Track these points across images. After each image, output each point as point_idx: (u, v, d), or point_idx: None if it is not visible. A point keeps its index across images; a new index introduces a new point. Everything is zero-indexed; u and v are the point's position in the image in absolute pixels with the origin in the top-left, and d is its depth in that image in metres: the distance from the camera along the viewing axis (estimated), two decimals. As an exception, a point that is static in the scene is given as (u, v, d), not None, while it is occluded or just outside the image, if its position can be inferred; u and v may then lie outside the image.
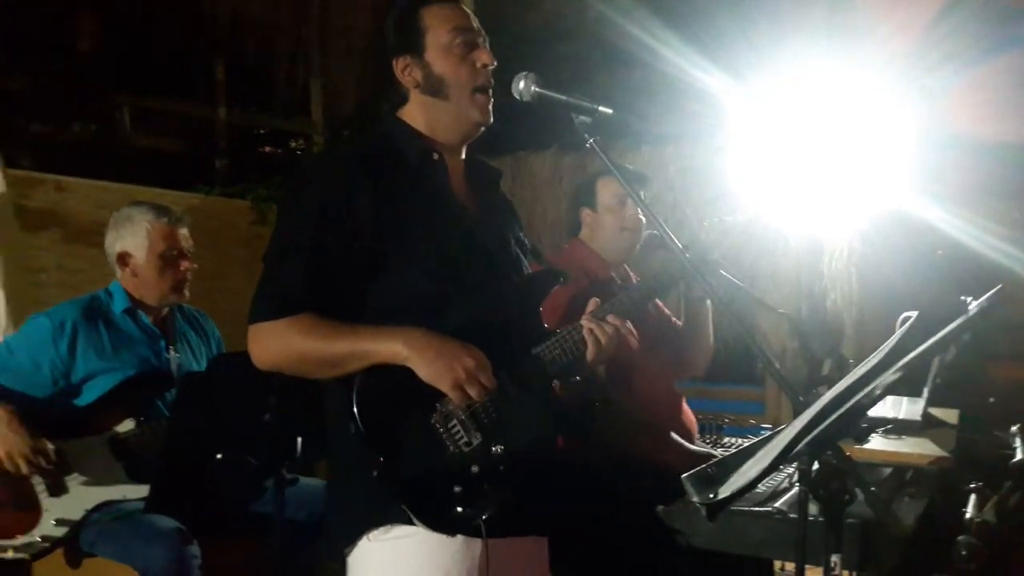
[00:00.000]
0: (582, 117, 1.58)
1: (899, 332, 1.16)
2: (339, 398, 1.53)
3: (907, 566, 1.56)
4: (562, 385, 1.75)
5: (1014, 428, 2.12)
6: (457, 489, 1.50)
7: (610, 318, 1.68)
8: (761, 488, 1.75)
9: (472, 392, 1.50)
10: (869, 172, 3.62)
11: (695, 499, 1.10)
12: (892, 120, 3.81)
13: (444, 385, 1.50)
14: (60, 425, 2.28)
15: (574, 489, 1.77)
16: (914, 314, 1.19)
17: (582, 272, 2.50)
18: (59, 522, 2.21)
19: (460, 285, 1.60)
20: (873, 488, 1.32)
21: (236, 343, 1.79)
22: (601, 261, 2.56)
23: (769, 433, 1.52)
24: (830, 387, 1.23)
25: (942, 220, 4.05)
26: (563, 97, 1.60)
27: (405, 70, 1.67)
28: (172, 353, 2.48)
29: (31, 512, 2.22)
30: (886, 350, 1.18)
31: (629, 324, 1.72)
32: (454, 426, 1.53)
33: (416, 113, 1.69)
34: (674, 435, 2.32)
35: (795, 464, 1.58)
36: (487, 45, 1.69)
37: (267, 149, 8.14)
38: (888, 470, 1.91)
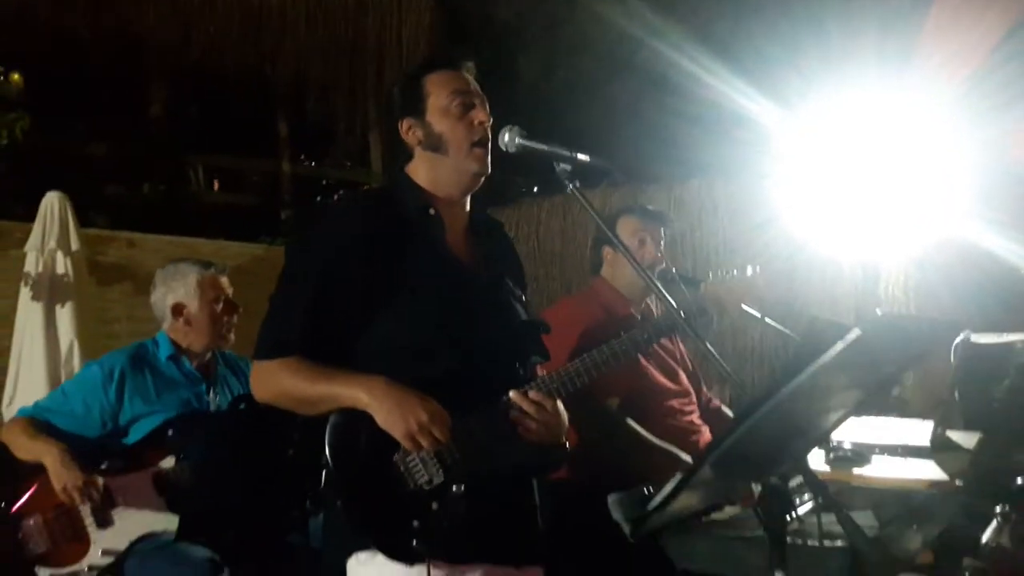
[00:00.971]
0: (563, 165, 1.67)
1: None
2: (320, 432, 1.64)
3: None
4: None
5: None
6: (415, 524, 1.58)
7: (531, 394, 1.67)
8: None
9: (423, 443, 1.58)
10: (924, 198, 3.58)
11: (619, 518, 1.14)
12: (947, 145, 3.74)
13: (397, 433, 1.59)
14: (108, 462, 2.46)
15: (566, 518, 1.80)
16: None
17: (602, 309, 2.57)
18: (105, 552, 2.38)
19: (444, 335, 1.69)
20: (845, 511, 1.33)
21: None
22: (622, 298, 2.63)
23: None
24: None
25: (998, 246, 3.93)
26: (544, 147, 1.69)
27: (409, 130, 1.81)
28: (212, 396, 2.64)
29: (82, 543, 2.40)
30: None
31: (558, 404, 1.70)
32: (415, 465, 1.61)
33: (420, 169, 1.81)
34: (686, 457, 2.34)
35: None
36: (485, 106, 1.80)
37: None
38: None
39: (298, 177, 7.42)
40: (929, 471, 1.87)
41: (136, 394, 2.52)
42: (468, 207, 1.85)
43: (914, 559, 1.77)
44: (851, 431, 2.10)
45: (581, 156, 1.65)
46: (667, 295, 1.65)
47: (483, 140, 1.77)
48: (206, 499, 2.38)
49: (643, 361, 2.50)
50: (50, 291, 4.49)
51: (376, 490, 1.60)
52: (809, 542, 1.62)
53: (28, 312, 4.45)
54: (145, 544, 2.38)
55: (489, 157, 1.78)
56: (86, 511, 2.40)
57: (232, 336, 2.71)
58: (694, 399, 2.64)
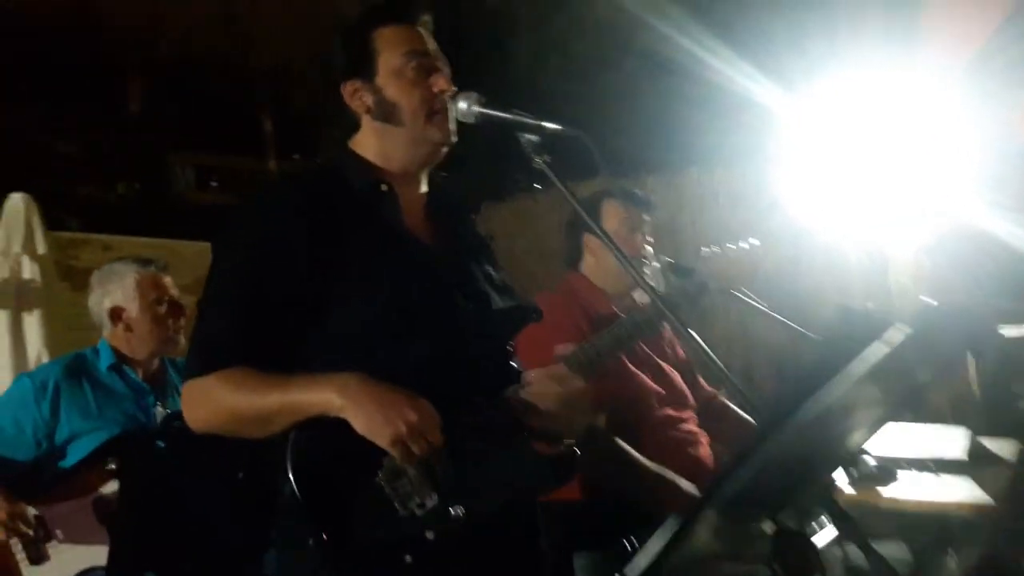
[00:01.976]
0: (528, 135, 1.42)
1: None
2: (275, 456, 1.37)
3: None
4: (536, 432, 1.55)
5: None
6: (408, 559, 1.32)
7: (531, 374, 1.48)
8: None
9: (416, 449, 1.32)
10: (933, 182, 3.45)
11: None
12: (956, 128, 3.59)
13: (383, 441, 1.32)
14: (44, 488, 2.22)
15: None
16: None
17: (580, 310, 2.29)
18: (38, 592, 2.14)
19: (411, 325, 1.44)
20: (877, 553, 1.07)
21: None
22: (602, 296, 2.34)
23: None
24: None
25: (1009, 233, 3.77)
26: (507, 115, 1.45)
27: (355, 95, 1.55)
28: (160, 408, 2.39)
29: (10, 583, 2.16)
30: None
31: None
32: (404, 485, 1.34)
33: (368, 141, 1.57)
34: (682, 483, 2.07)
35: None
36: (447, 70, 1.56)
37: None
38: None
39: (283, 175, 7.21)
40: (967, 490, 1.61)
41: (74, 409, 2.28)
42: (425, 183, 1.60)
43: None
44: (872, 441, 1.84)
45: (548, 124, 1.40)
46: (657, 290, 1.42)
47: (443, 107, 1.52)
48: (151, 528, 2.13)
49: (629, 365, 2.22)
50: (16, 298, 4.27)
51: (358, 521, 1.32)
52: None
53: (-9, 321, 4.21)
54: (86, 580, 2.14)
55: (452, 124, 1.52)
56: (16, 546, 2.16)
57: (182, 340, 2.45)
58: (691, 400, 2.36)
